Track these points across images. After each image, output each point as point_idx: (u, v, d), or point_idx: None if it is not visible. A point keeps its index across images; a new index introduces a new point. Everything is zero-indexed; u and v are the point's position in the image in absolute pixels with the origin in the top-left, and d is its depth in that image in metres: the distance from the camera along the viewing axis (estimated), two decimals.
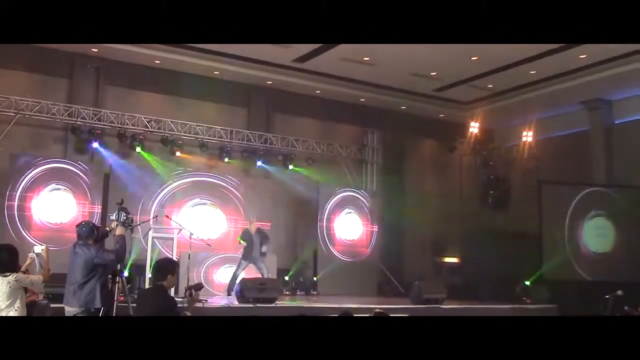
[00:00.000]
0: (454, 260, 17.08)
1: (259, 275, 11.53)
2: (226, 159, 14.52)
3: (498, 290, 13.58)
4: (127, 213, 6.53)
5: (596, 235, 14.72)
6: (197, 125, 14.10)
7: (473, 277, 15.00)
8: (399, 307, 9.80)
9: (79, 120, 12.96)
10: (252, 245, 11.76)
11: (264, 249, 11.87)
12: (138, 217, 11.80)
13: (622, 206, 14.69)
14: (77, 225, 6.32)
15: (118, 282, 6.68)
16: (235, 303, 10.02)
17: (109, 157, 13.39)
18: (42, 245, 6.38)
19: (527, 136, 15.66)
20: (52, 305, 7.50)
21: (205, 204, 14.11)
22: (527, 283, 12.97)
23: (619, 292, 9.51)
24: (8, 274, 5.74)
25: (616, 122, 16.06)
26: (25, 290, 6.25)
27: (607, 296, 9.59)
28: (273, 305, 9.43)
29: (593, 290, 12.93)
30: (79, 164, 12.87)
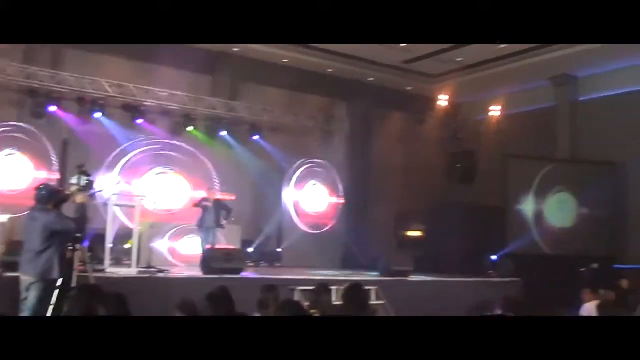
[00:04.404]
0: (418, 234, 17.12)
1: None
2: (190, 127, 14.12)
3: (462, 264, 13.64)
4: (88, 176, 6.20)
5: (558, 209, 14.89)
6: (160, 92, 13.64)
7: (437, 250, 15.04)
8: (367, 280, 9.70)
9: (36, 82, 12.39)
10: (206, 215, 11.48)
11: (223, 220, 11.61)
12: (97, 184, 11.38)
13: (584, 181, 14.85)
14: (35, 189, 5.96)
15: (78, 250, 6.35)
16: (198, 274, 9.78)
17: (68, 122, 12.86)
18: (5, 215, 6.03)
19: (495, 110, 15.62)
20: (6, 275, 7.11)
21: (167, 172, 13.73)
22: (494, 257, 13.04)
23: (595, 265, 9.61)
24: None
25: (581, 99, 16.15)
26: None
27: (582, 269, 9.66)
28: (239, 276, 9.22)
29: (557, 264, 13.14)
30: (36, 129, 12.31)
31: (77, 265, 6.45)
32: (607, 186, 14.89)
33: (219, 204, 11.78)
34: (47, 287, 5.77)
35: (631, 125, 14.44)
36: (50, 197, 5.85)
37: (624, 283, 10.04)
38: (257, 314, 5.35)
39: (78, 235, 6.34)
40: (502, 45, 14.22)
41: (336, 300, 6.68)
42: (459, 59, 15.44)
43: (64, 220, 5.83)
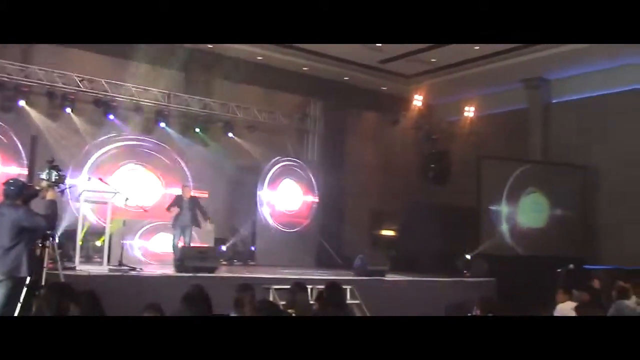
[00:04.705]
0: (391, 233, 17.12)
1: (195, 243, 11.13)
2: (163, 124, 13.90)
3: (436, 263, 13.67)
4: (59, 170, 5.99)
5: (531, 210, 15.01)
6: (132, 87, 13.40)
7: (411, 250, 15.05)
8: (342, 279, 9.61)
9: (5, 76, 12.05)
10: (182, 213, 11.26)
11: (202, 221, 11.39)
12: (68, 180, 11.10)
13: (556, 183, 15.01)
14: (4, 183, 5.74)
15: (48, 247, 6.16)
16: (171, 272, 9.62)
17: (37, 117, 12.54)
18: None
19: (469, 111, 15.71)
20: None
21: (139, 169, 13.49)
22: (468, 257, 13.09)
23: (571, 266, 9.68)
24: None
25: (553, 101, 16.34)
26: None
27: (559, 270, 9.73)
28: (213, 275, 9.08)
29: (530, 264, 13.25)
30: (4, 123, 11.95)
31: (47, 262, 6.26)
32: (578, 188, 15.09)
33: (195, 202, 11.52)
34: (15, 285, 5.57)
35: (602, 127, 14.66)
36: (19, 193, 5.63)
37: (596, 283, 10.16)
38: (233, 313, 5.26)
39: (48, 232, 6.14)
40: (477, 47, 14.30)
41: (312, 299, 6.59)
42: (433, 60, 15.49)
43: (34, 216, 5.63)
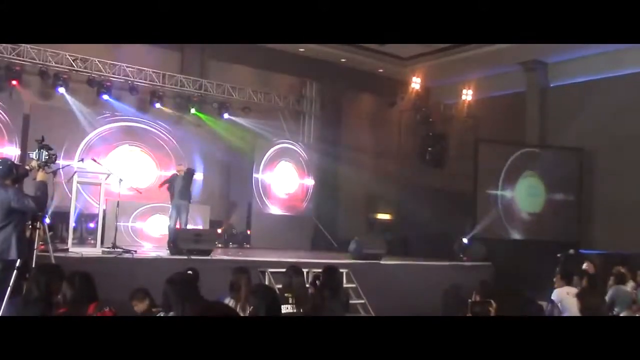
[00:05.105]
0: (387, 216, 17.04)
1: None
2: (158, 104, 13.72)
3: (433, 247, 13.58)
4: (49, 149, 5.84)
5: (527, 194, 14.91)
6: (126, 67, 13.20)
7: (407, 233, 14.98)
8: (339, 262, 9.52)
9: None
10: (176, 190, 10.94)
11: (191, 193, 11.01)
12: (60, 161, 10.94)
13: (553, 167, 14.90)
14: None
15: (39, 229, 6.03)
16: (165, 254, 9.49)
17: (30, 96, 12.36)
18: None
19: (467, 94, 15.56)
20: None
21: (134, 150, 13.34)
22: (465, 240, 13.02)
23: (571, 251, 9.62)
24: None
25: (551, 85, 16.19)
26: None
27: (558, 255, 9.65)
28: (209, 257, 8.97)
29: (526, 248, 13.19)
30: None
31: (37, 244, 6.14)
32: (575, 172, 14.99)
33: (188, 176, 11.15)
34: (5, 267, 5.43)
35: (599, 111, 14.51)
36: (8, 172, 5.48)
37: (590, 267, 10.10)
38: (227, 298, 5.18)
39: (39, 213, 6.00)
40: None
41: (309, 282, 6.51)
42: None
43: (23, 197, 5.48)
